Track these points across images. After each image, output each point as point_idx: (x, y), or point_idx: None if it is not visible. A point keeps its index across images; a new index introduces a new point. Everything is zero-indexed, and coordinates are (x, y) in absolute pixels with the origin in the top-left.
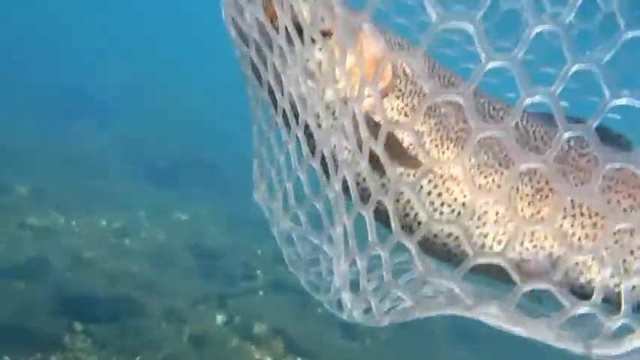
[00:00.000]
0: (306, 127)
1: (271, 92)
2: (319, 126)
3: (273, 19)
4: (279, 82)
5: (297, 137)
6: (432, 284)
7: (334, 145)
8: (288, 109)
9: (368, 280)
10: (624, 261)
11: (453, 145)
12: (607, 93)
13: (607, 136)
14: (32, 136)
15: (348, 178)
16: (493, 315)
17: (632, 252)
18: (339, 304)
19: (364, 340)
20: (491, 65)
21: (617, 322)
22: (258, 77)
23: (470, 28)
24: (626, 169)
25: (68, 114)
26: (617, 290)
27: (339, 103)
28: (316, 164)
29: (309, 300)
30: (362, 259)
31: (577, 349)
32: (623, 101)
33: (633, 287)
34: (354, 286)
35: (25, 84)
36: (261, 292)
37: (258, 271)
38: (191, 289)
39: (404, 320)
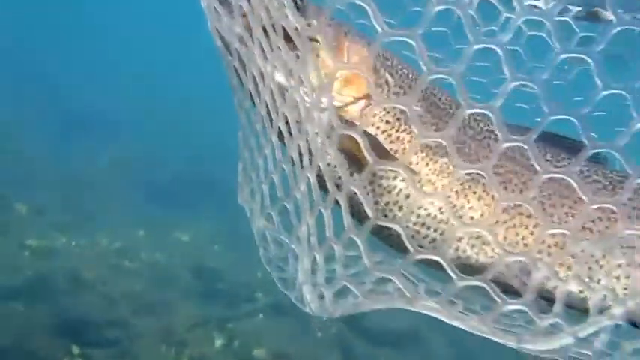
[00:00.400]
0: (280, 132)
1: (252, 98)
2: (290, 132)
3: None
4: (257, 89)
5: (273, 141)
6: (385, 279)
7: (304, 147)
8: (265, 115)
9: (324, 274)
10: (564, 265)
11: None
12: (545, 108)
13: (562, 143)
14: (33, 156)
15: (311, 178)
16: (432, 309)
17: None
18: (304, 300)
19: None
20: (434, 77)
21: (547, 320)
22: (241, 85)
23: (412, 42)
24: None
25: (69, 135)
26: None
27: (317, 109)
28: (287, 167)
29: (309, 323)
30: (320, 254)
31: (511, 342)
32: (559, 117)
33: (571, 292)
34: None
35: (26, 105)
36: (261, 315)
37: (259, 293)
38: (190, 311)
39: (354, 312)
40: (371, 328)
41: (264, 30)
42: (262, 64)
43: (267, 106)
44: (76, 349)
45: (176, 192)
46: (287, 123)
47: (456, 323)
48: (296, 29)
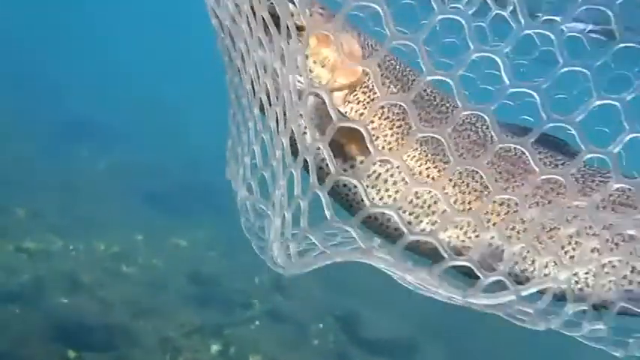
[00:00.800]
0: (262, 104)
1: (240, 74)
2: (269, 102)
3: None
4: (244, 64)
5: (255, 113)
6: (348, 237)
7: (280, 113)
8: (249, 88)
9: (291, 230)
10: (515, 231)
11: (395, 135)
12: (543, 115)
13: (554, 144)
14: (31, 160)
15: (284, 142)
16: (384, 259)
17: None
18: (274, 259)
19: None
20: (430, 78)
21: (490, 278)
22: (231, 62)
23: (414, 47)
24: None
25: (68, 139)
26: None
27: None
28: (267, 137)
29: (305, 331)
30: (288, 212)
31: (457, 296)
32: (557, 123)
33: (514, 254)
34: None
35: (25, 108)
36: (257, 322)
37: (255, 300)
38: (186, 318)
39: (316, 265)
40: (368, 338)
41: (253, 12)
42: (248, 39)
43: (251, 80)
44: (72, 354)
45: (174, 197)
46: (267, 94)
47: (406, 275)
48: (289, 15)
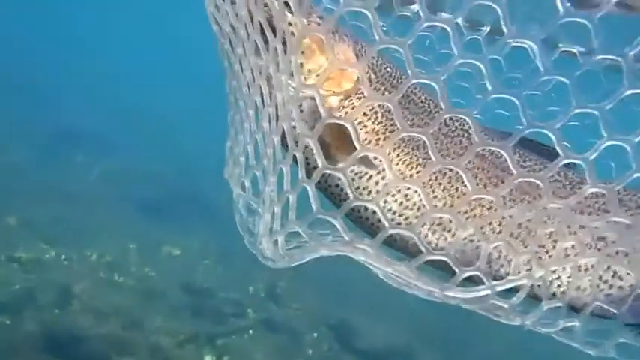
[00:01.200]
0: (256, 105)
1: (237, 78)
2: (263, 103)
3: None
4: (241, 67)
5: (250, 115)
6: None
7: (272, 113)
8: (245, 90)
9: (279, 223)
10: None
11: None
12: (523, 120)
13: (538, 148)
14: (23, 169)
15: (275, 140)
16: (365, 252)
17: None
18: (263, 252)
19: None
20: (415, 81)
21: (465, 272)
22: (230, 66)
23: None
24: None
25: (60, 148)
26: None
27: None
28: (259, 137)
29: (299, 340)
30: (277, 206)
31: (434, 289)
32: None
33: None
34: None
35: (16, 117)
36: (251, 331)
37: (249, 309)
38: (180, 327)
39: (303, 258)
40: (362, 346)
41: (251, 17)
42: (245, 44)
43: (247, 83)
44: None
45: (167, 206)
46: (262, 95)
47: (384, 267)
48: (286, 24)
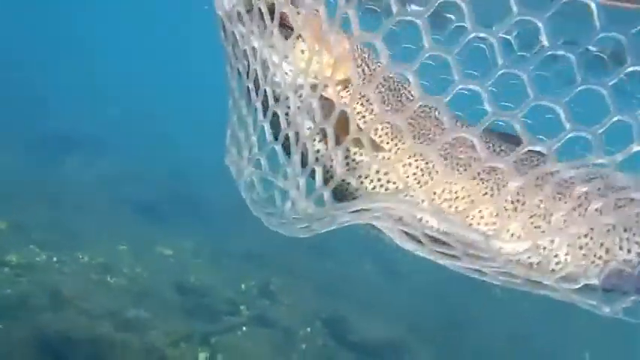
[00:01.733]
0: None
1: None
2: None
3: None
4: (254, 53)
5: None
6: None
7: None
8: (252, 80)
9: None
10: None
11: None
12: (488, 108)
13: (511, 139)
14: (15, 172)
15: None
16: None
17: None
18: (290, 228)
19: None
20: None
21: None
22: (234, 53)
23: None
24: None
25: (53, 151)
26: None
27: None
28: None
29: (293, 336)
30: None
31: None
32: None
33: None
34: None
35: (10, 121)
36: (244, 328)
37: (242, 307)
38: (173, 327)
39: (333, 224)
40: (356, 340)
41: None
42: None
43: (257, 67)
44: None
45: (159, 207)
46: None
47: (395, 225)
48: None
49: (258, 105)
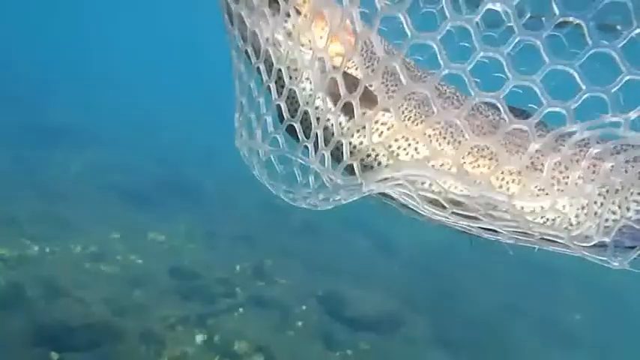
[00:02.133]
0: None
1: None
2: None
3: None
4: (257, 40)
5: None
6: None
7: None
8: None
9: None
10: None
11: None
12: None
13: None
14: (4, 165)
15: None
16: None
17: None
18: (311, 201)
19: (345, 351)
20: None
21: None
22: (244, 38)
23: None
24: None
25: (42, 143)
26: None
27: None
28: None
29: (289, 314)
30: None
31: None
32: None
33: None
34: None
35: None
36: (241, 309)
37: (238, 288)
38: (169, 311)
39: (353, 197)
40: (351, 315)
41: None
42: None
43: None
44: (55, 356)
45: (149, 194)
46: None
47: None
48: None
49: (272, 85)
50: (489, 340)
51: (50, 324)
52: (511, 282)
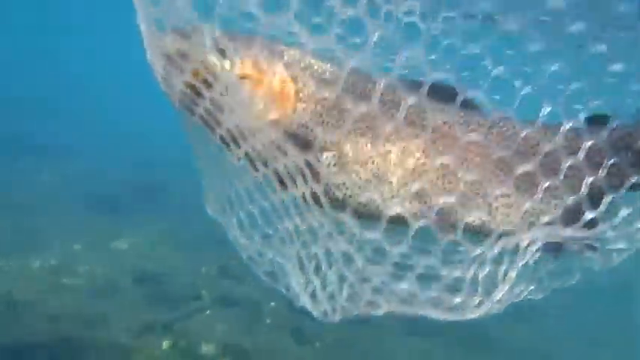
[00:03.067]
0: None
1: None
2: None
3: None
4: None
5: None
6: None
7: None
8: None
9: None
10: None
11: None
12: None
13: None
14: None
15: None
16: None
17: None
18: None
19: (313, 344)
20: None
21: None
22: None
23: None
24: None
25: (5, 154)
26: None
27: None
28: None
29: (257, 311)
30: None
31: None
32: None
33: None
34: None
35: None
36: (208, 311)
37: (204, 290)
38: (135, 319)
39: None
40: None
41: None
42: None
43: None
44: None
45: (113, 203)
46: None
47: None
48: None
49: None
50: (460, 325)
51: (14, 342)
52: None
